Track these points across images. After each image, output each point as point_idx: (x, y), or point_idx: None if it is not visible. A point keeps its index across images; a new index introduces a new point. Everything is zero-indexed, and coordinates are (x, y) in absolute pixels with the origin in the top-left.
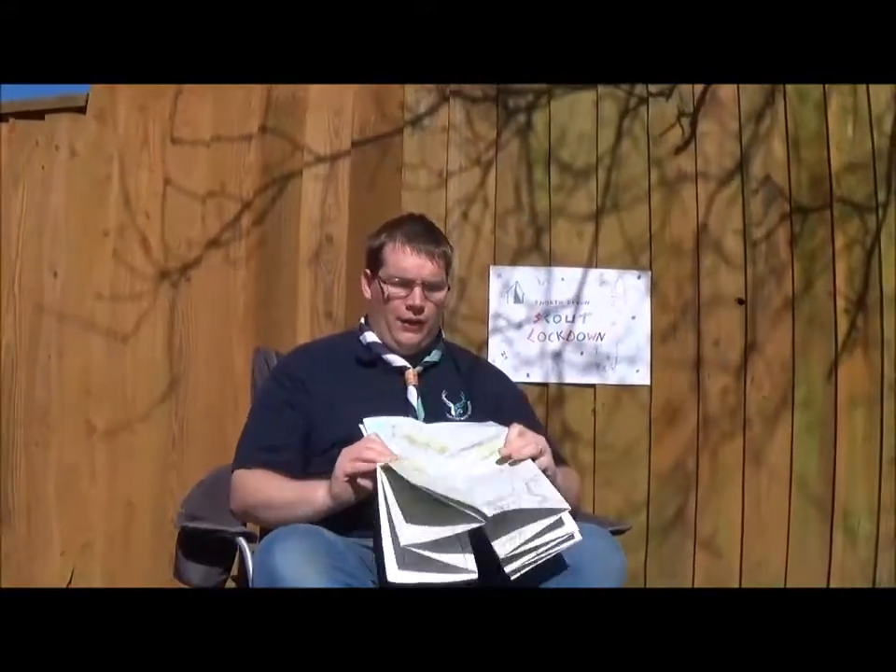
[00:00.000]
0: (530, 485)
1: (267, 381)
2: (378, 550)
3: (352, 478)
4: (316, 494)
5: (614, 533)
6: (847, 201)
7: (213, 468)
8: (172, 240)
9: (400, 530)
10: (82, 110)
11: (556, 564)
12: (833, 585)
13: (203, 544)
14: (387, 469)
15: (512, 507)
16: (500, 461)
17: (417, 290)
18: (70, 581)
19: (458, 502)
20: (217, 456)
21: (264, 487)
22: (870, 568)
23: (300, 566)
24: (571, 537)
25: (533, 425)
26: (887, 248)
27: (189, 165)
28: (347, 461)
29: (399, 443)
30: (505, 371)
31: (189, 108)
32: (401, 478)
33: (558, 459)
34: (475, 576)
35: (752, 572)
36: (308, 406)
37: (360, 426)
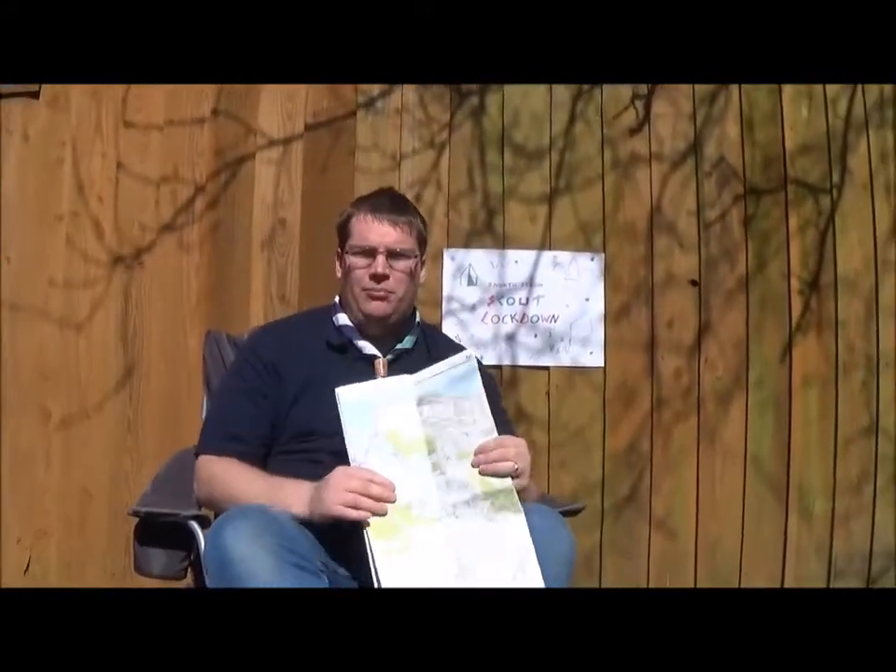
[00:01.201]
0: (517, 577)
1: (238, 363)
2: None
3: (351, 507)
4: (292, 502)
5: (567, 514)
6: (801, 182)
7: (168, 452)
8: (125, 225)
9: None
10: (35, 95)
11: None
12: (788, 566)
13: (160, 532)
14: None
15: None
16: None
17: (380, 258)
18: (27, 569)
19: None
20: (172, 440)
21: (233, 481)
22: (825, 548)
23: (249, 545)
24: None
25: (497, 412)
26: (841, 230)
27: (141, 149)
28: (349, 490)
29: (382, 451)
30: None
31: (141, 93)
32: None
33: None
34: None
35: (707, 553)
36: (279, 393)
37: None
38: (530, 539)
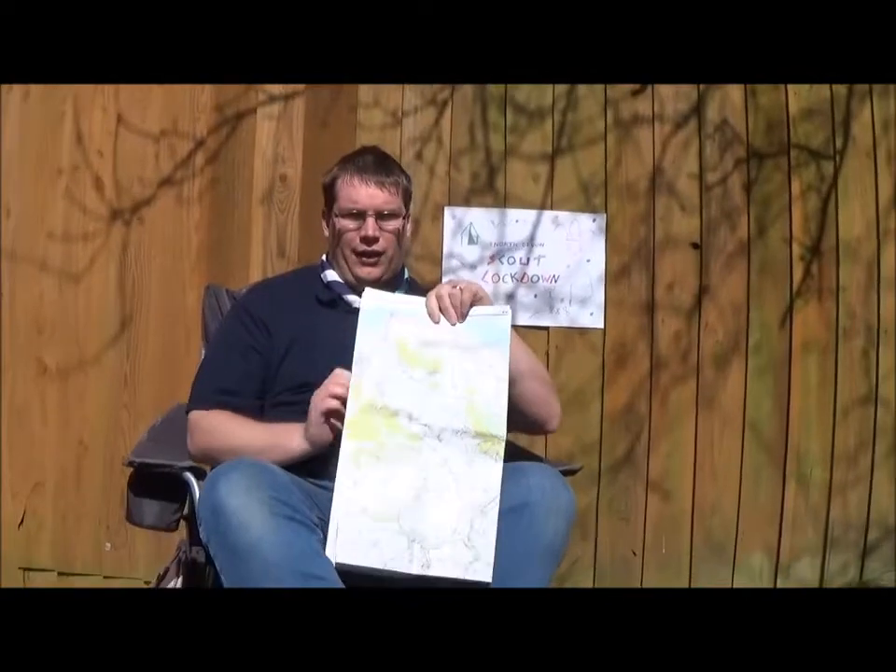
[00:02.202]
0: (475, 524)
1: (229, 319)
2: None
3: (327, 417)
4: (291, 438)
5: (565, 474)
6: (803, 147)
7: (164, 407)
8: (125, 179)
9: (337, 539)
10: None
11: (504, 502)
12: (784, 533)
13: (154, 483)
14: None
15: (437, 573)
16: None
17: (370, 221)
18: (22, 522)
19: (387, 571)
20: (169, 396)
21: (233, 431)
22: (822, 516)
23: (243, 497)
24: (485, 585)
25: None
26: (843, 196)
27: (142, 104)
28: (320, 400)
29: (388, 355)
30: None
31: None
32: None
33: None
34: (418, 573)
35: (704, 517)
36: (270, 349)
37: (351, 300)
38: (499, 491)
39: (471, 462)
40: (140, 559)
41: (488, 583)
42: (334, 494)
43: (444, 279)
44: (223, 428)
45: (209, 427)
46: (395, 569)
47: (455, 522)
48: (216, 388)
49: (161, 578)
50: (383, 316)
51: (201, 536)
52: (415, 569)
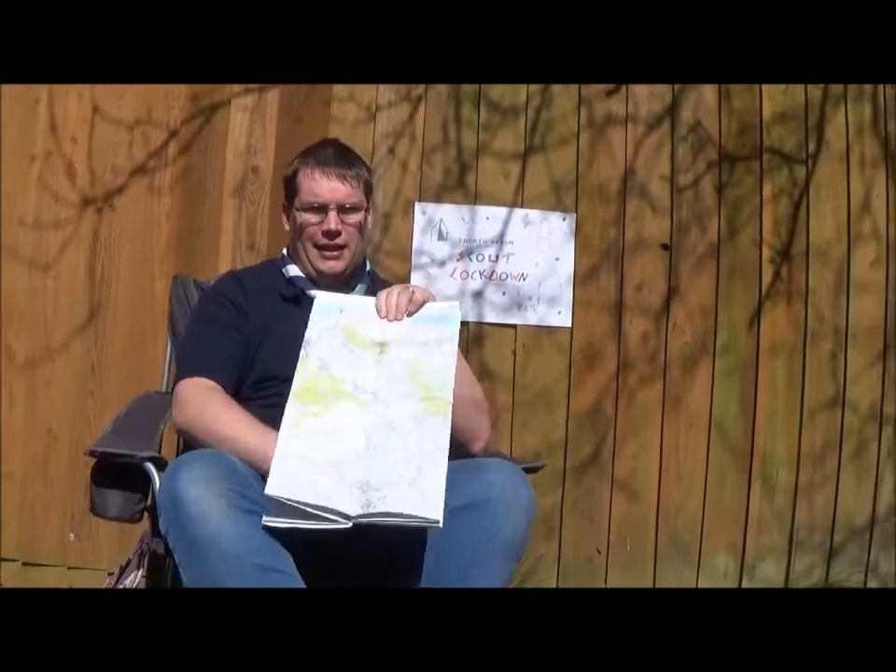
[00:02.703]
0: (422, 469)
1: (206, 302)
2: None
3: None
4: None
5: (528, 471)
6: (776, 151)
7: (130, 395)
8: (98, 167)
9: (273, 476)
10: None
11: (464, 498)
12: (749, 535)
13: (117, 474)
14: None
15: (380, 509)
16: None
17: (332, 214)
18: None
19: (323, 508)
20: (135, 384)
21: (229, 417)
22: (788, 518)
23: (202, 489)
24: (434, 522)
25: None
26: (815, 200)
27: (118, 92)
28: None
29: (335, 338)
30: None
31: None
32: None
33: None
34: (348, 525)
35: (669, 518)
36: (248, 332)
37: (314, 296)
38: (447, 444)
39: (419, 422)
40: (104, 550)
41: (438, 522)
42: (277, 442)
43: (413, 275)
44: (214, 409)
45: (194, 399)
46: (334, 507)
47: (401, 468)
48: (205, 362)
49: (123, 570)
50: (333, 311)
51: (160, 527)
52: (357, 509)
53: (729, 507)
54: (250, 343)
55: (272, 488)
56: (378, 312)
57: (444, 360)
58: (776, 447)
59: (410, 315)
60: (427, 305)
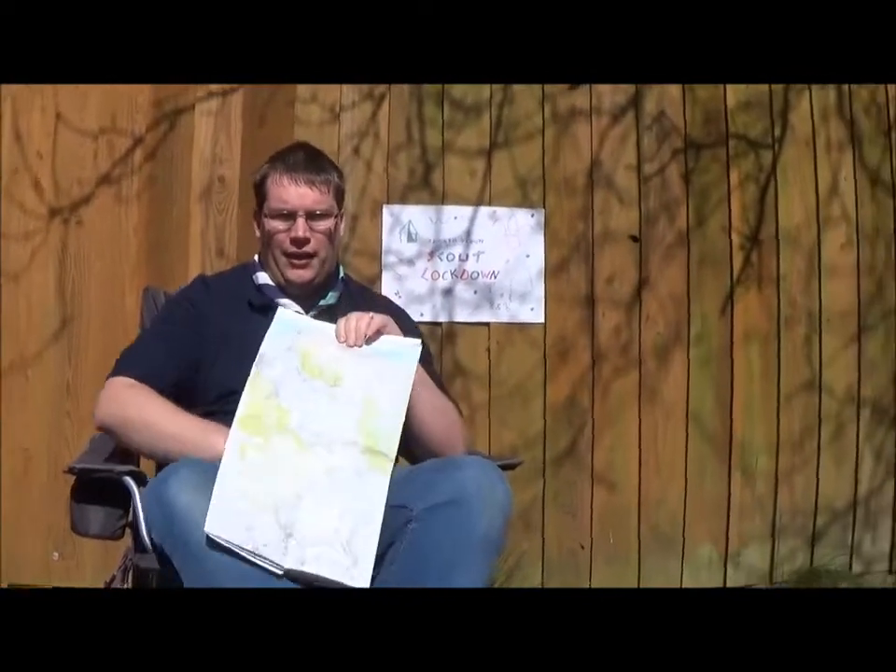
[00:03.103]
0: (357, 530)
1: (170, 304)
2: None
3: None
4: (213, 445)
5: (505, 468)
6: (742, 137)
7: None
8: (63, 179)
9: (213, 513)
10: None
11: (441, 496)
12: (731, 523)
13: (97, 490)
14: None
15: (312, 570)
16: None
17: (300, 221)
18: None
19: (258, 556)
20: None
21: (150, 408)
22: (769, 504)
23: (193, 496)
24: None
25: (432, 376)
26: (782, 185)
27: (81, 101)
28: None
29: (290, 362)
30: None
31: None
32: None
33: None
34: (280, 572)
35: (650, 509)
36: (204, 343)
37: (280, 307)
38: (384, 506)
39: (359, 475)
40: (88, 568)
41: (364, 587)
42: (217, 477)
43: (384, 275)
44: (140, 400)
45: (121, 394)
46: (268, 557)
47: (336, 524)
48: (142, 365)
49: (108, 586)
50: (290, 331)
51: (153, 537)
52: (289, 563)
53: (710, 496)
54: (207, 350)
55: (211, 526)
56: (337, 337)
57: (394, 407)
58: (754, 434)
59: (369, 340)
60: (387, 339)
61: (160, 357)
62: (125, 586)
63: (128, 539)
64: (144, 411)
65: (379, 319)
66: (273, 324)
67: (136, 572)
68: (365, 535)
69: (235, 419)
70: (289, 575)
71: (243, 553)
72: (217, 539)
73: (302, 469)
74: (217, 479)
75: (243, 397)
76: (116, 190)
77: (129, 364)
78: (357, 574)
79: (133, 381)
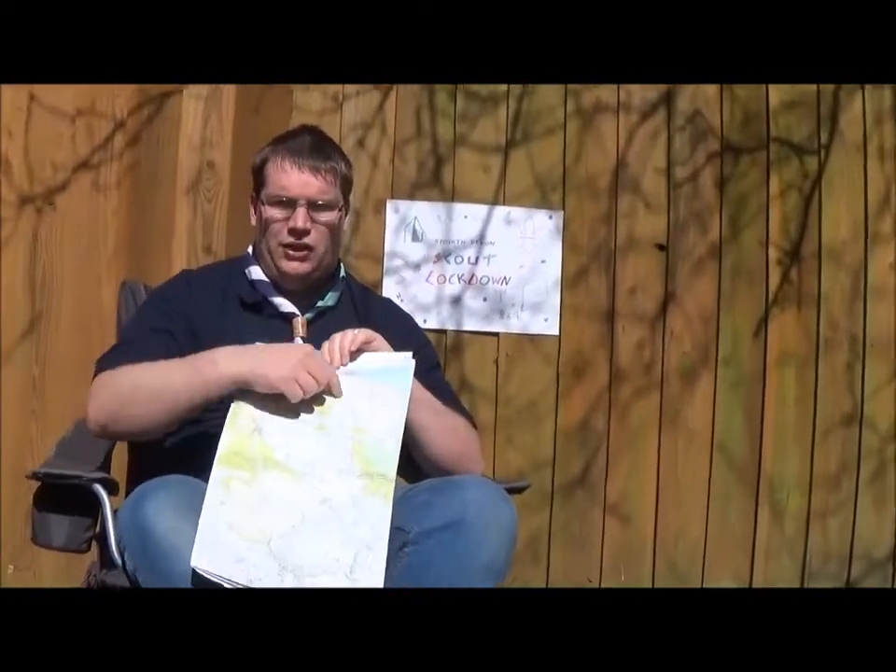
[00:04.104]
0: (359, 558)
1: (147, 304)
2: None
3: (298, 379)
4: (221, 363)
5: (512, 491)
6: (784, 141)
7: (76, 415)
8: (36, 162)
9: (199, 546)
10: None
11: (439, 519)
12: (756, 564)
13: (63, 498)
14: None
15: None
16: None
17: (301, 211)
18: None
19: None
20: (82, 403)
21: (134, 373)
22: (800, 548)
23: (172, 518)
24: None
25: (439, 385)
26: (828, 195)
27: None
28: (301, 366)
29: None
30: None
31: None
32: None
33: (459, 410)
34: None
35: (668, 545)
36: (190, 345)
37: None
38: (388, 532)
39: (356, 503)
40: (46, 582)
41: None
42: (203, 506)
43: (386, 279)
44: (128, 373)
45: (107, 382)
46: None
47: (336, 552)
48: (124, 357)
49: None
50: None
51: (126, 563)
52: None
53: (734, 533)
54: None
55: (198, 560)
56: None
57: (389, 426)
58: (785, 468)
59: (353, 356)
60: (375, 357)
61: (147, 347)
62: None
63: (93, 554)
64: (133, 378)
65: (363, 334)
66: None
67: (102, 590)
68: (369, 563)
69: (216, 457)
70: None
71: (235, 589)
72: (206, 575)
73: (295, 499)
74: (203, 511)
75: (222, 435)
76: (94, 177)
77: (112, 358)
78: None
79: (115, 369)
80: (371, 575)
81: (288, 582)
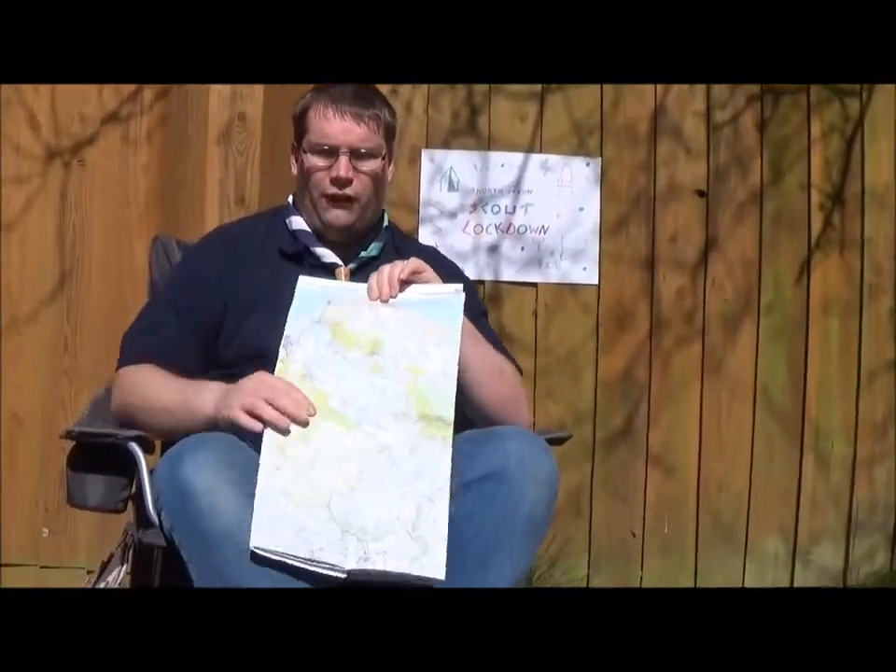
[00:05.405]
0: (422, 512)
1: (176, 272)
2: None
3: (248, 413)
4: (200, 406)
5: (553, 442)
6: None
7: (109, 374)
8: (63, 116)
9: (257, 523)
10: None
11: (478, 469)
12: (801, 514)
13: (98, 458)
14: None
15: (379, 566)
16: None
17: (343, 159)
18: None
19: (316, 562)
20: (115, 361)
21: (147, 385)
22: (845, 497)
23: (212, 478)
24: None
25: (486, 333)
26: (870, 137)
27: None
28: (256, 397)
29: (321, 336)
30: None
31: None
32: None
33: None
34: (342, 577)
35: (711, 496)
36: (218, 311)
37: (298, 282)
38: (449, 478)
39: (415, 448)
40: (82, 545)
41: (440, 581)
42: (258, 480)
43: (421, 229)
44: (140, 382)
45: (131, 383)
46: (326, 561)
47: (397, 509)
48: (147, 346)
49: (105, 566)
50: (319, 302)
51: (163, 522)
52: (351, 563)
53: (778, 484)
54: (231, 311)
55: (258, 540)
56: (370, 294)
57: (444, 366)
58: (830, 416)
59: (403, 287)
60: (425, 288)
61: (170, 332)
62: (125, 566)
63: (129, 513)
64: (142, 394)
65: (413, 263)
66: (294, 298)
67: (138, 549)
68: (432, 516)
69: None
70: (353, 577)
71: (296, 563)
72: (265, 554)
73: (352, 452)
74: (258, 483)
75: None
76: (123, 130)
77: (136, 347)
78: (429, 563)
79: (137, 367)
80: (435, 529)
81: (351, 548)
